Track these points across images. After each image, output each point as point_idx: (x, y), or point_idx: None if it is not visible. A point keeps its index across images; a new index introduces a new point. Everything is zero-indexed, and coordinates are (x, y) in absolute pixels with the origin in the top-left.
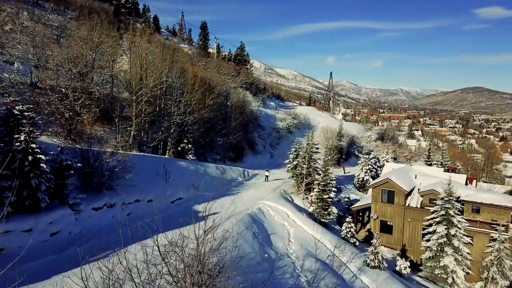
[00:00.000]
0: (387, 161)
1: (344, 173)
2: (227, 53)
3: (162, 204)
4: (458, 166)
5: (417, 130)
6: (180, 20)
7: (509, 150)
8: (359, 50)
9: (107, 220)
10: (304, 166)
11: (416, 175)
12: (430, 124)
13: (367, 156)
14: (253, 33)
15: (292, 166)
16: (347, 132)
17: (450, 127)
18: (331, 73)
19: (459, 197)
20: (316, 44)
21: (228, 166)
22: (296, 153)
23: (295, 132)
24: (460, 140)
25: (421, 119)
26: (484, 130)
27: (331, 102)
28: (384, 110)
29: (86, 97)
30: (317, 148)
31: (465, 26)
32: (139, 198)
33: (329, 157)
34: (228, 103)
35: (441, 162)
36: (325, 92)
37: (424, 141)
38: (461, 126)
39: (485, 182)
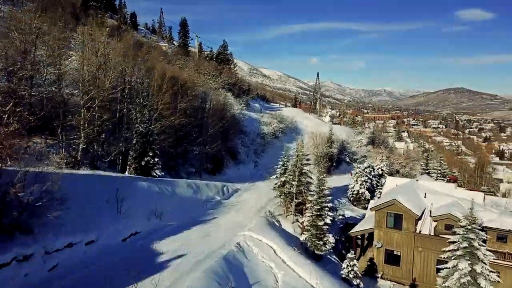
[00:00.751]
0: (387, 174)
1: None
2: (208, 52)
3: (110, 244)
4: (455, 172)
5: (403, 131)
6: (160, 18)
7: (493, 151)
8: (343, 51)
9: (17, 282)
10: (293, 183)
11: (425, 194)
12: (414, 125)
13: (361, 166)
14: (238, 34)
15: (279, 183)
16: (336, 137)
17: (433, 128)
18: (317, 73)
19: (481, 223)
20: (300, 45)
21: (205, 181)
22: (284, 167)
23: (281, 138)
24: (447, 142)
25: (405, 120)
26: (467, 131)
27: (317, 103)
28: (368, 111)
29: (16, 101)
30: (308, 160)
31: (445, 28)
32: (74, 241)
33: (324, 175)
34: (206, 106)
35: (440, 170)
36: (312, 93)
37: (412, 143)
38: (444, 126)
39: (486, 193)
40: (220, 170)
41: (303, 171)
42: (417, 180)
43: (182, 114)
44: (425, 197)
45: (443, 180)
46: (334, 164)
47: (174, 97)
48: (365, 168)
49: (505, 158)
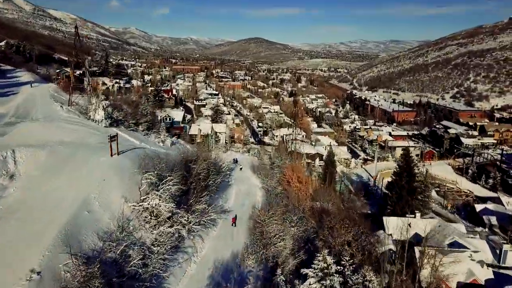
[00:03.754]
0: None
1: None
2: None
3: None
4: None
5: (217, 94)
6: None
7: (302, 108)
8: None
9: None
10: None
11: None
12: (223, 77)
13: None
14: None
15: None
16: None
17: (241, 80)
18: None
19: None
20: None
21: None
22: None
23: None
24: (265, 107)
25: (213, 71)
26: (271, 82)
27: (86, 77)
28: (177, 60)
29: None
30: None
31: None
32: None
33: None
34: None
35: None
36: (73, 52)
37: (233, 117)
38: (250, 78)
39: None
40: None
41: None
42: None
43: None
44: None
45: None
46: None
47: None
48: None
49: (321, 125)
